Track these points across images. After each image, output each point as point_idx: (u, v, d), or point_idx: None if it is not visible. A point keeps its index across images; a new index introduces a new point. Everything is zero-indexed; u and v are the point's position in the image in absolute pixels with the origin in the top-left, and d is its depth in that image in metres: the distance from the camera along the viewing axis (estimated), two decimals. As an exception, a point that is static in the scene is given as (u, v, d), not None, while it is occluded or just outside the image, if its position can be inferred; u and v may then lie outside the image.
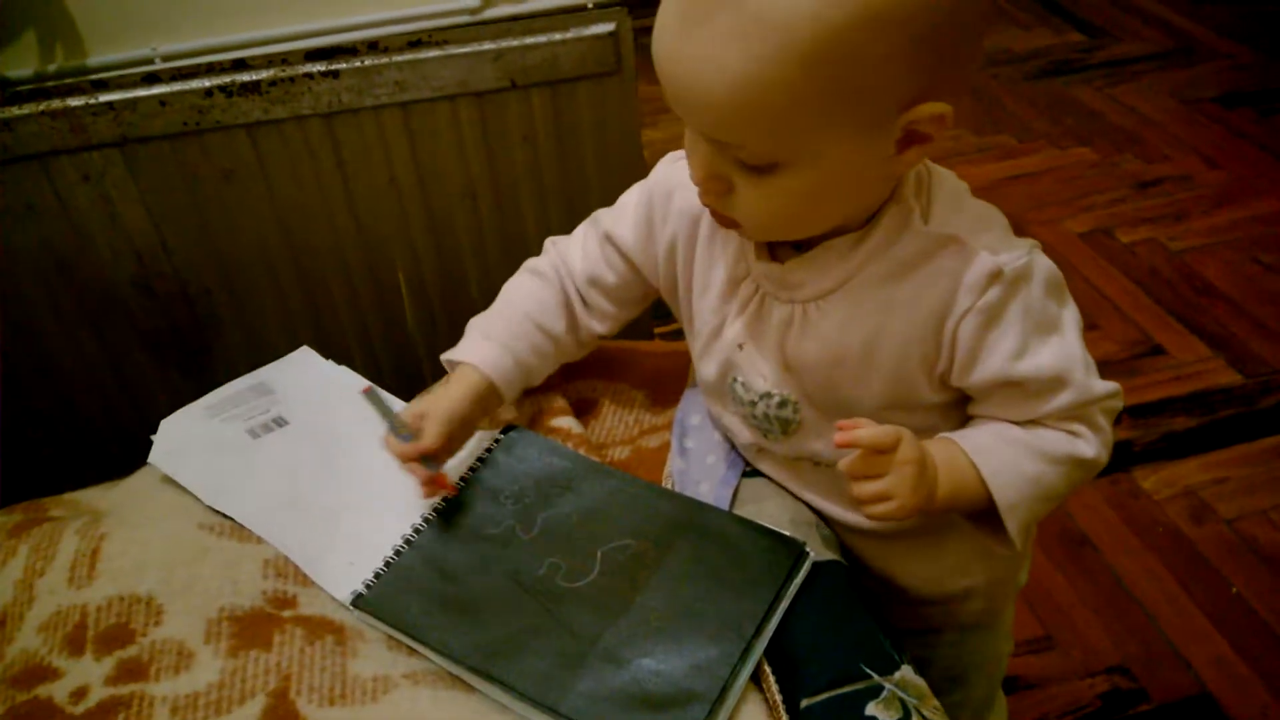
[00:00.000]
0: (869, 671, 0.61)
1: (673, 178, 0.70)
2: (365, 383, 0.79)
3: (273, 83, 0.96)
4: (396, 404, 0.77)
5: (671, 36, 0.51)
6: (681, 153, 0.70)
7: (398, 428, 0.70)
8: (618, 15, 0.92)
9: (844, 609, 0.65)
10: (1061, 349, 0.62)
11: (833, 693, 0.60)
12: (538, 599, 0.65)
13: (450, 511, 0.71)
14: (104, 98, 0.95)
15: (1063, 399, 0.62)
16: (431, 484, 0.70)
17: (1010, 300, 0.60)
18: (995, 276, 0.59)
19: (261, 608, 0.64)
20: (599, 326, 0.77)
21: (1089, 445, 0.64)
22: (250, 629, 0.63)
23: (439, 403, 0.71)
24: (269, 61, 0.96)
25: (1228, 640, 1.17)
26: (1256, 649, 1.16)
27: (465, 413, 0.71)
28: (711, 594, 0.64)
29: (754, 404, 0.68)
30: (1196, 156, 2.03)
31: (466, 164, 0.99)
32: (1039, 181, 2.01)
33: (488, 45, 0.91)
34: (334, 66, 0.95)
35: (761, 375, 0.67)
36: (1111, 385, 0.64)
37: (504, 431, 0.77)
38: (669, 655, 0.61)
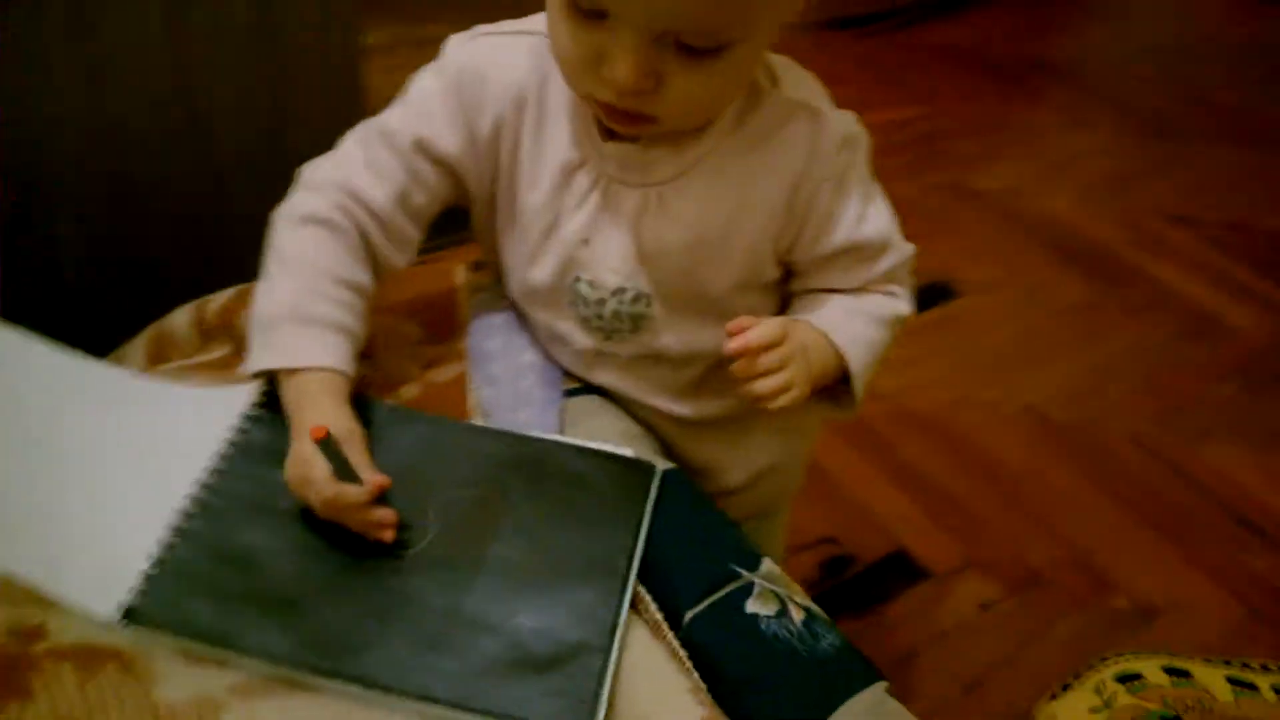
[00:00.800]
0: (739, 570, 0.60)
1: (479, 57, 0.62)
2: (234, 398, 0.60)
3: None
4: None
5: None
6: (472, 32, 0.63)
7: (348, 474, 0.54)
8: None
9: (698, 515, 0.64)
10: (883, 212, 0.65)
11: (711, 598, 0.58)
12: (371, 574, 0.55)
13: (223, 486, 0.58)
14: None
15: (888, 261, 0.66)
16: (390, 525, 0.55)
17: (852, 166, 0.62)
18: (846, 143, 0.61)
19: (3, 647, 0.48)
20: (401, 259, 0.65)
21: (905, 303, 0.69)
22: (-9, 679, 0.47)
23: (340, 425, 0.56)
24: None
25: (908, 498, 1.33)
26: (931, 502, 1.33)
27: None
28: (571, 533, 0.58)
29: (603, 302, 0.64)
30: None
31: (147, 64, 0.79)
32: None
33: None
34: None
35: (612, 270, 0.63)
36: (911, 245, 0.68)
37: (269, 381, 0.63)
38: (543, 609, 0.54)
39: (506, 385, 0.68)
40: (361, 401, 0.63)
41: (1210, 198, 2.04)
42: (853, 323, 0.65)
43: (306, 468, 0.54)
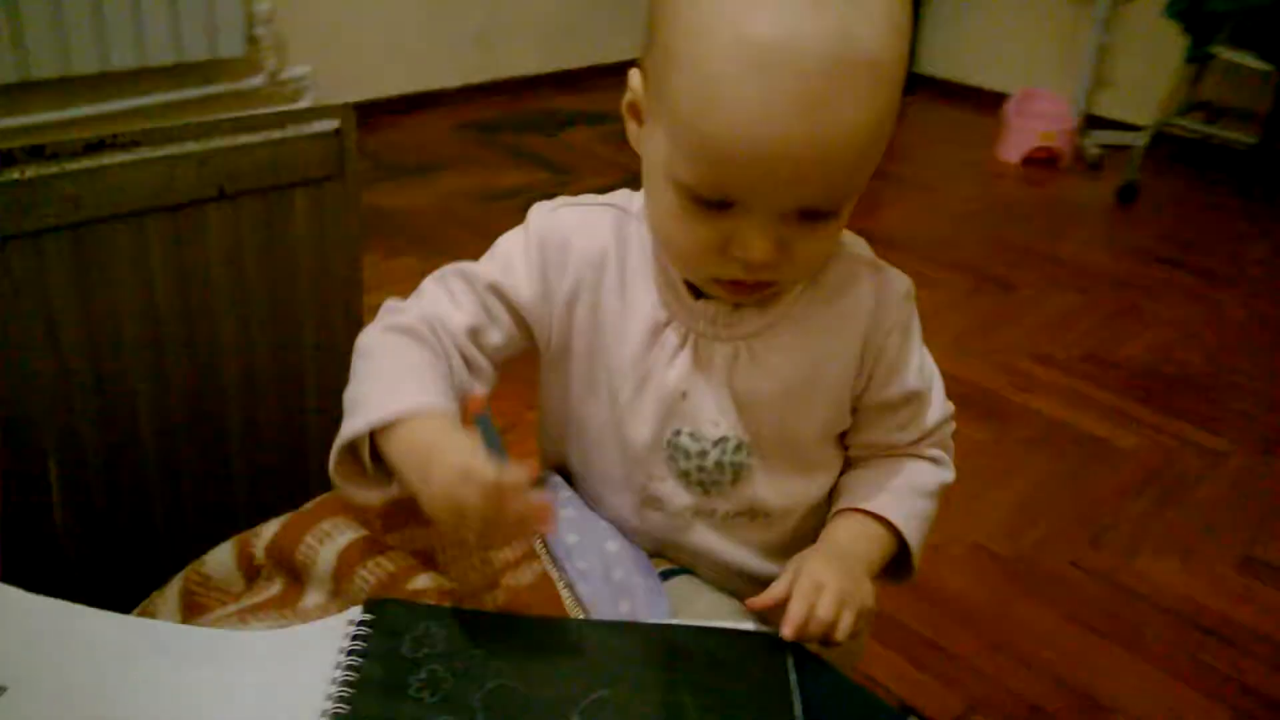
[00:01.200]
0: (894, 731, 0.59)
1: (562, 224, 0.65)
2: (320, 635, 0.58)
3: None
4: None
5: (788, 121, 0.51)
6: (555, 202, 0.67)
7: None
8: (342, 112, 0.80)
9: (828, 679, 0.62)
10: (930, 363, 0.70)
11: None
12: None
13: (346, 728, 0.53)
14: None
15: (935, 412, 0.70)
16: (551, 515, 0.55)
17: (912, 317, 0.67)
18: (907, 295, 0.66)
19: None
20: (481, 390, 0.65)
21: (949, 470, 0.72)
22: None
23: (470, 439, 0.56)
24: None
25: (895, 651, 1.34)
26: (917, 652, 1.34)
27: None
28: (727, 718, 0.56)
29: (704, 454, 0.65)
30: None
31: (150, 292, 0.76)
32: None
33: (191, 146, 0.72)
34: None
35: (711, 421, 0.64)
36: (952, 404, 0.72)
37: (367, 609, 0.59)
38: None
39: (599, 579, 0.65)
40: (462, 616, 0.60)
41: (1062, 337, 2.25)
42: (908, 500, 0.68)
43: (466, 467, 0.52)
